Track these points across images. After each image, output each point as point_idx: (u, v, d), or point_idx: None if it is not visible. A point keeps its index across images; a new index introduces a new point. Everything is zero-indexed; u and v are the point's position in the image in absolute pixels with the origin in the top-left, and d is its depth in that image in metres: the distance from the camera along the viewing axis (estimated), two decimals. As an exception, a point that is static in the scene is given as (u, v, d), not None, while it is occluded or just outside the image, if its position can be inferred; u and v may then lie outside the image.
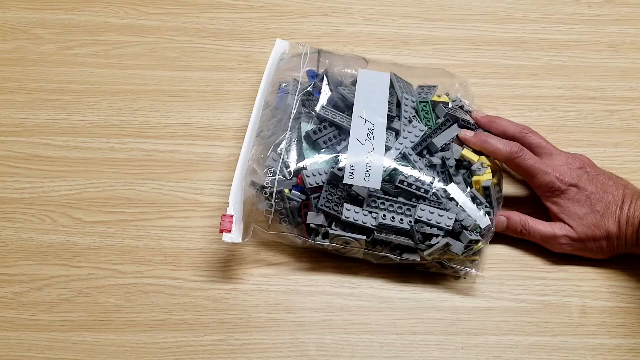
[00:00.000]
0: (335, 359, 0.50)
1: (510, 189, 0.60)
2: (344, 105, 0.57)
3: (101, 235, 0.55)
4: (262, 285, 0.54)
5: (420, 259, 0.52)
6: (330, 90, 0.57)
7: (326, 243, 0.52)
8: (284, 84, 0.59)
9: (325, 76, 0.58)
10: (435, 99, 0.59)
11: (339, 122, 0.55)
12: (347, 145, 0.53)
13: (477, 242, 0.51)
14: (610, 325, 0.52)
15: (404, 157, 0.53)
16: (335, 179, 0.51)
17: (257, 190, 0.52)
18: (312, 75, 0.60)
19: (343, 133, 0.55)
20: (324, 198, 0.51)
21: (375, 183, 0.51)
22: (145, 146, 0.61)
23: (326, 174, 0.52)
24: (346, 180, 0.51)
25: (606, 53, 0.71)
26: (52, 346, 0.50)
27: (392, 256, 0.52)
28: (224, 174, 0.60)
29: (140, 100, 0.65)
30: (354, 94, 0.56)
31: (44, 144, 0.61)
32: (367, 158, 0.52)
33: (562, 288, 0.54)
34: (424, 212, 0.51)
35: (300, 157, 0.53)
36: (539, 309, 0.53)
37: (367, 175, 0.51)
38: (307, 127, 0.55)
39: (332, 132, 0.54)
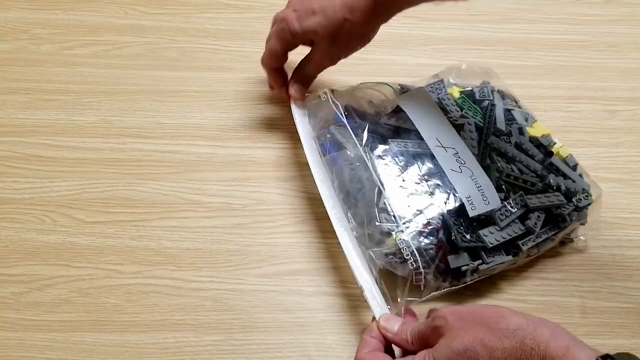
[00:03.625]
0: (335, 359, 0.50)
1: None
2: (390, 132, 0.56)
3: (101, 235, 0.55)
4: (262, 285, 0.54)
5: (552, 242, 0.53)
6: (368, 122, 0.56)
7: (476, 278, 0.51)
8: (327, 136, 0.56)
9: (352, 111, 0.57)
10: (457, 89, 0.59)
11: (417, 149, 0.54)
12: (436, 167, 0.52)
13: (589, 204, 0.53)
14: (610, 325, 0.52)
15: (501, 155, 0.54)
16: (459, 214, 0.51)
17: (392, 259, 0.49)
18: (338, 118, 0.57)
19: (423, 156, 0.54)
20: (459, 233, 0.50)
21: (496, 201, 0.51)
22: (144, 146, 0.61)
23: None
24: (472, 214, 0.50)
25: (606, 53, 0.71)
26: (52, 346, 0.49)
27: (531, 254, 0.53)
28: (224, 174, 0.60)
29: (140, 100, 0.65)
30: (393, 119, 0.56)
31: (43, 144, 0.61)
32: (474, 183, 0.51)
33: (562, 288, 0.54)
34: (537, 199, 0.52)
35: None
36: (539, 309, 0.53)
37: (485, 198, 0.51)
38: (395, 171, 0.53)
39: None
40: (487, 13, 0.75)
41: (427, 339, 0.42)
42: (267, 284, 0.54)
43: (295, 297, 0.53)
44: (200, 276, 0.54)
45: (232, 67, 0.68)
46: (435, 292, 0.50)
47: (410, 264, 0.48)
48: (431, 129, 0.55)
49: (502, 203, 0.51)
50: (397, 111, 0.58)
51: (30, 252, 0.54)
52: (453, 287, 0.51)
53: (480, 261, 0.50)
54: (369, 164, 0.53)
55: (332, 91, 0.59)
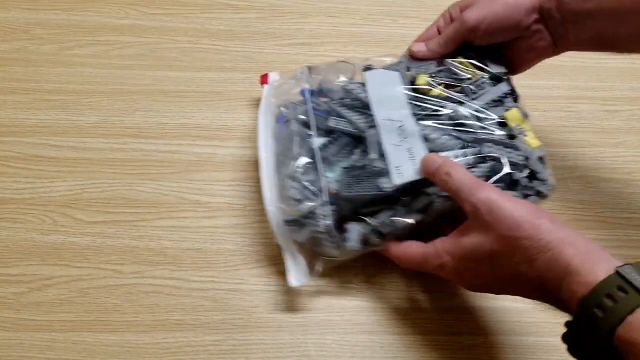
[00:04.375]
0: (335, 359, 0.50)
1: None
2: (350, 111, 0.56)
3: (101, 236, 0.55)
4: (262, 285, 0.54)
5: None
6: (331, 100, 0.57)
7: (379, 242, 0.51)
8: (283, 110, 0.58)
9: (321, 90, 0.57)
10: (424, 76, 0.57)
11: (350, 129, 0.54)
12: (363, 151, 0.52)
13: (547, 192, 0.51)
14: (610, 325, 0.52)
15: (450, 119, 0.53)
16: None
17: (292, 225, 0.51)
18: (303, 92, 0.58)
19: (355, 140, 0.54)
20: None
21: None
22: (145, 146, 0.61)
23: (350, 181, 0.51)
24: (397, 181, 0.50)
25: (606, 53, 0.71)
26: (52, 346, 0.49)
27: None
28: (223, 174, 0.60)
29: (140, 100, 0.65)
30: (356, 100, 0.56)
31: (44, 144, 0.61)
32: (410, 156, 0.51)
33: (562, 288, 0.54)
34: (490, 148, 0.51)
35: (319, 173, 0.52)
36: (539, 308, 0.53)
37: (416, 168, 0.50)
38: (318, 142, 0.54)
39: (344, 141, 0.54)
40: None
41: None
42: (267, 284, 0.54)
43: (295, 297, 0.53)
44: (200, 276, 0.54)
45: (232, 67, 0.68)
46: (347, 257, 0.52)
47: (313, 230, 0.50)
48: (385, 105, 0.54)
49: None
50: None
51: (30, 252, 0.54)
52: (372, 249, 0.51)
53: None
54: (297, 138, 0.54)
55: (310, 68, 0.59)
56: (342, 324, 0.52)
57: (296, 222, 0.51)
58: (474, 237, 0.43)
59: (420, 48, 0.58)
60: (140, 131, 0.62)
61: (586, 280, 0.37)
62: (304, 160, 0.53)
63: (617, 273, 0.36)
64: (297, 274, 0.51)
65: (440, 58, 0.57)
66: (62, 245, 0.55)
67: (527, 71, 0.69)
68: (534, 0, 0.53)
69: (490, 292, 0.46)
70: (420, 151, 0.51)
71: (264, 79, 0.62)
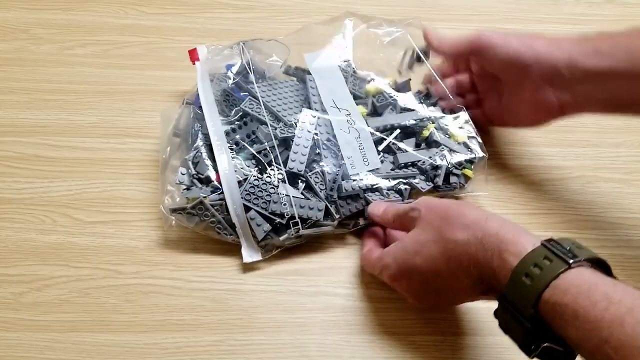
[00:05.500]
0: (335, 359, 0.50)
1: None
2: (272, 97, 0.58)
3: (101, 235, 0.55)
4: (262, 285, 0.53)
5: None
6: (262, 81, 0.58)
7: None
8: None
9: (248, 67, 0.58)
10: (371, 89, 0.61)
11: (262, 117, 0.56)
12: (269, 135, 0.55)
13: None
14: (610, 326, 0.52)
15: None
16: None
17: (178, 213, 0.53)
18: (229, 67, 0.60)
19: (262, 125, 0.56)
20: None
21: (376, 163, 0.55)
22: (145, 146, 0.61)
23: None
24: (351, 172, 0.54)
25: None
26: (52, 346, 0.49)
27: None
28: (223, 174, 0.60)
29: (140, 100, 0.65)
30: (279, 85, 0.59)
31: (43, 144, 0.61)
32: (358, 144, 0.55)
33: (562, 288, 0.54)
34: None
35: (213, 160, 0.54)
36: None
37: (365, 160, 0.55)
38: (219, 128, 0.55)
39: (251, 128, 0.56)
40: (486, 13, 0.75)
41: (405, 224, 0.49)
42: (267, 284, 0.54)
43: (295, 297, 0.53)
44: (200, 276, 0.54)
45: (232, 67, 0.68)
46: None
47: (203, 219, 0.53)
48: (329, 90, 0.58)
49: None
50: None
51: (30, 252, 0.54)
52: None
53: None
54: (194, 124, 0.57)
55: (244, 42, 0.60)
56: (342, 324, 0.52)
57: (183, 210, 0.53)
58: (415, 234, 0.47)
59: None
60: (140, 131, 0.62)
61: (516, 251, 0.39)
62: (200, 144, 0.55)
63: (543, 245, 0.39)
64: (249, 251, 0.53)
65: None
66: (61, 245, 0.55)
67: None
68: (550, 58, 0.52)
69: (433, 300, 0.49)
70: (370, 144, 0.56)
71: (193, 55, 0.61)
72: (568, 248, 0.39)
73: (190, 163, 0.55)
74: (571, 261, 0.37)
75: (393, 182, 0.55)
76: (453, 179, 0.57)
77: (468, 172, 0.57)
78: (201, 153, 0.55)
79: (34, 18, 0.71)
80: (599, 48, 0.50)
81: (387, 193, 0.55)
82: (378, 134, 0.57)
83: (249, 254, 0.54)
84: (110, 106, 0.64)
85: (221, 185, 0.53)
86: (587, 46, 0.51)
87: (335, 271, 0.54)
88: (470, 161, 0.58)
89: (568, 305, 0.36)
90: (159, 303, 0.52)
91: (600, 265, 0.39)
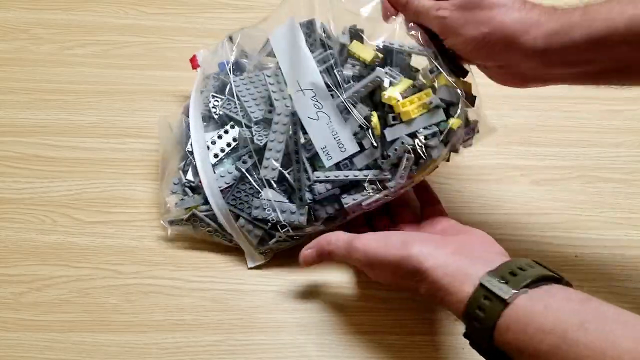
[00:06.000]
0: (335, 359, 0.50)
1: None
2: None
3: (101, 235, 0.55)
4: (262, 285, 0.53)
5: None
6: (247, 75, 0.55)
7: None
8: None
9: (236, 64, 0.56)
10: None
11: (240, 118, 0.53)
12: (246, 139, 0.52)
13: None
14: (610, 326, 0.52)
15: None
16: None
17: (176, 225, 0.54)
18: (222, 67, 0.58)
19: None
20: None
21: (353, 146, 0.50)
22: (145, 146, 0.61)
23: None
24: (328, 164, 0.50)
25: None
26: (52, 346, 0.49)
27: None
28: (223, 174, 0.60)
29: (140, 100, 0.65)
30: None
31: (43, 144, 0.61)
32: (330, 130, 0.50)
33: (562, 288, 0.54)
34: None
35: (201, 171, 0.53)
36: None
37: (341, 145, 0.50)
38: (199, 138, 0.54)
39: (234, 133, 0.54)
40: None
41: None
42: (267, 284, 0.54)
43: (295, 297, 0.53)
44: (200, 276, 0.54)
45: (232, 67, 0.68)
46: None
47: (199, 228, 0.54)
48: (293, 69, 0.51)
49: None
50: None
51: (30, 252, 0.54)
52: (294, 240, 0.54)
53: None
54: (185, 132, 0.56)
55: (231, 38, 0.57)
56: (342, 324, 0.52)
57: (180, 221, 0.53)
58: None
59: None
60: (140, 131, 0.62)
61: (458, 298, 0.40)
62: (188, 154, 0.54)
63: (481, 285, 0.39)
64: (251, 257, 0.54)
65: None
66: (61, 245, 0.55)
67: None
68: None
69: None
70: (343, 128, 0.49)
71: (194, 63, 0.59)
72: (505, 281, 0.38)
73: (181, 172, 0.55)
74: (507, 297, 0.37)
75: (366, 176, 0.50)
76: (435, 153, 0.48)
77: (455, 122, 0.48)
78: (191, 161, 0.54)
79: (34, 18, 0.71)
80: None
81: (367, 190, 0.50)
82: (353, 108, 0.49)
83: (252, 259, 0.54)
84: (110, 106, 0.64)
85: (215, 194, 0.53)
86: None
87: (335, 271, 0.54)
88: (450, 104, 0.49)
89: (511, 343, 0.37)
90: (159, 303, 0.52)
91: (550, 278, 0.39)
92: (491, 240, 0.46)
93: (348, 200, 0.50)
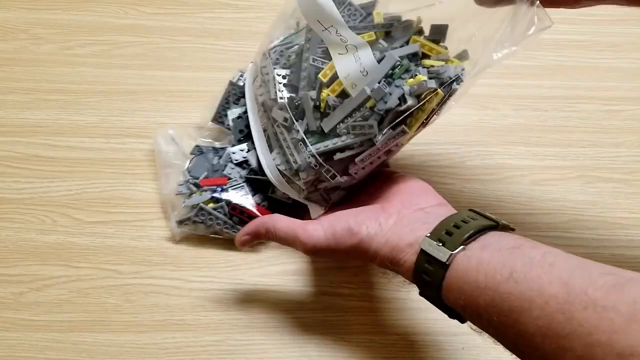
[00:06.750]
0: (335, 359, 0.50)
1: (510, 189, 0.60)
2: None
3: (101, 236, 0.55)
4: (261, 286, 0.53)
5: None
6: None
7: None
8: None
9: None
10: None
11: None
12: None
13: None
14: (610, 326, 0.52)
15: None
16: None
17: (185, 224, 0.54)
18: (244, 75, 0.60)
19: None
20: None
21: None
22: (145, 146, 0.61)
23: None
24: (354, 94, 0.46)
25: (606, 53, 0.71)
26: (51, 346, 0.49)
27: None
28: (223, 174, 0.60)
29: (140, 100, 0.65)
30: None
31: (43, 144, 0.61)
32: (355, 59, 0.46)
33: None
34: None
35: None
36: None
37: (365, 74, 0.46)
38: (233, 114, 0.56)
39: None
40: (486, 13, 0.75)
41: None
42: (267, 284, 0.54)
43: (295, 297, 0.53)
44: (200, 276, 0.54)
45: (233, 67, 0.68)
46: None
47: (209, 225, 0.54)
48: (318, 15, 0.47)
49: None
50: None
51: (30, 252, 0.54)
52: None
53: None
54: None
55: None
56: (342, 324, 0.52)
57: (188, 220, 0.53)
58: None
59: None
60: (140, 131, 0.62)
61: (406, 268, 0.42)
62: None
63: (422, 251, 0.40)
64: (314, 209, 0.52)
65: None
66: (61, 245, 0.55)
67: (527, 71, 0.69)
68: None
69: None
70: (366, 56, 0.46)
71: None
72: (442, 242, 0.39)
73: (186, 172, 0.55)
74: (445, 260, 0.38)
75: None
76: (431, 83, 0.44)
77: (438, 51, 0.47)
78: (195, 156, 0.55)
79: (34, 18, 0.71)
80: None
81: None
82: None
83: (315, 211, 0.52)
84: (110, 106, 0.64)
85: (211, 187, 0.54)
86: None
87: (335, 271, 0.54)
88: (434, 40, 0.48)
89: (456, 302, 0.38)
90: (159, 303, 0.52)
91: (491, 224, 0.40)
92: (429, 189, 0.48)
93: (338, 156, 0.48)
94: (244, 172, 0.55)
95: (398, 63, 0.46)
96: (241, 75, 0.60)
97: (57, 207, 0.57)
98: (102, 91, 0.65)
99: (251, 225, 0.49)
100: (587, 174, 0.62)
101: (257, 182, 0.54)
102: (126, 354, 0.49)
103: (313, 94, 0.48)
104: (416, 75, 0.45)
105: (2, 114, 0.63)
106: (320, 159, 0.48)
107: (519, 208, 0.59)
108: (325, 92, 0.48)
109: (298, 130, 0.49)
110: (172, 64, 0.68)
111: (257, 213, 0.53)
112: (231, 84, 0.59)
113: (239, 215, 0.53)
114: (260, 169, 0.53)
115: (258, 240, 0.49)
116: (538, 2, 0.47)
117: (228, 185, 0.54)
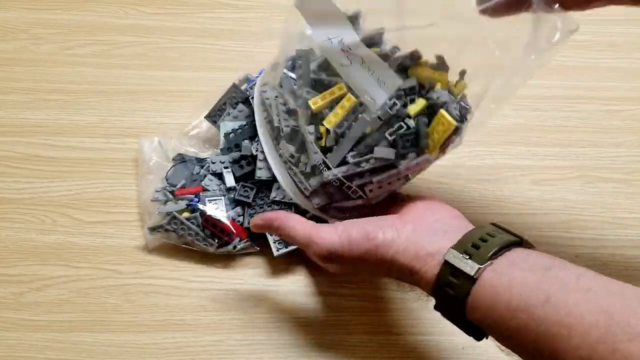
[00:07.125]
0: (334, 359, 0.50)
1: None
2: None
3: (101, 236, 0.55)
4: (261, 286, 0.53)
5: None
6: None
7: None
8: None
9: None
10: None
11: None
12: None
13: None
14: (610, 326, 0.52)
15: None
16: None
17: (157, 232, 0.53)
18: (249, 81, 0.60)
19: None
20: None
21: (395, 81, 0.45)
22: (145, 146, 0.61)
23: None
24: (374, 107, 0.44)
25: (606, 53, 0.71)
26: (51, 346, 0.49)
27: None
28: (223, 174, 0.60)
29: (140, 100, 0.65)
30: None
31: (43, 144, 0.61)
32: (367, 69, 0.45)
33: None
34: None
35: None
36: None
37: (383, 83, 0.44)
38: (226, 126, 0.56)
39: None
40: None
41: None
42: (267, 284, 0.54)
43: (295, 297, 0.53)
44: (200, 276, 0.54)
45: (233, 67, 0.68)
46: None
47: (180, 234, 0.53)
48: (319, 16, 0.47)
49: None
50: None
51: (30, 252, 0.54)
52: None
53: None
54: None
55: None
56: (342, 324, 0.52)
57: (161, 227, 0.53)
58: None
59: None
60: (140, 131, 0.62)
61: (427, 278, 0.40)
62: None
63: (446, 262, 0.39)
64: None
65: None
66: (61, 245, 0.55)
67: (527, 71, 0.69)
68: None
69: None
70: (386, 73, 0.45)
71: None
72: (468, 255, 0.38)
73: (164, 179, 0.55)
74: (473, 273, 0.37)
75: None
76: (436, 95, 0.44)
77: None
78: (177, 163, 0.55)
79: (34, 18, 0.71)
80: None
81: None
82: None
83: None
84: (110, 106, 0.64)
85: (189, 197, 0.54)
86: None
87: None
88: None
89: (482, 320, 0.37)
90: (159, 303, 0.52)
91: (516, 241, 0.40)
92: (443, 203, 0.46)
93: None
94: (223, 186, 0.54)
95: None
96: (247, 81, 0.60)
97: (57, 207, 0.57)
98: (102, 91, 0.65)
99: (269, 215, 0.48)
100: (587, 174, 0.62)
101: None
102: (126, 354, 0.49)
103: (311, 128, 0.48)
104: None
105: (2, 114, 0.63)
106: (344, 180, 0.47)
107: (519, 208, 0.59)
108: (323, 128, 0.47)
109: (317, 152, 0.47)
110: (172, 64, 0.68)
111: (232, 228, 0.53)
112: (234, 86, 0.58)
113: (212, 228, 0.53)
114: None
115: (269, 231, 0.49)
116: (557, 5, 0.45)
117: (205, 197, 0.53)
